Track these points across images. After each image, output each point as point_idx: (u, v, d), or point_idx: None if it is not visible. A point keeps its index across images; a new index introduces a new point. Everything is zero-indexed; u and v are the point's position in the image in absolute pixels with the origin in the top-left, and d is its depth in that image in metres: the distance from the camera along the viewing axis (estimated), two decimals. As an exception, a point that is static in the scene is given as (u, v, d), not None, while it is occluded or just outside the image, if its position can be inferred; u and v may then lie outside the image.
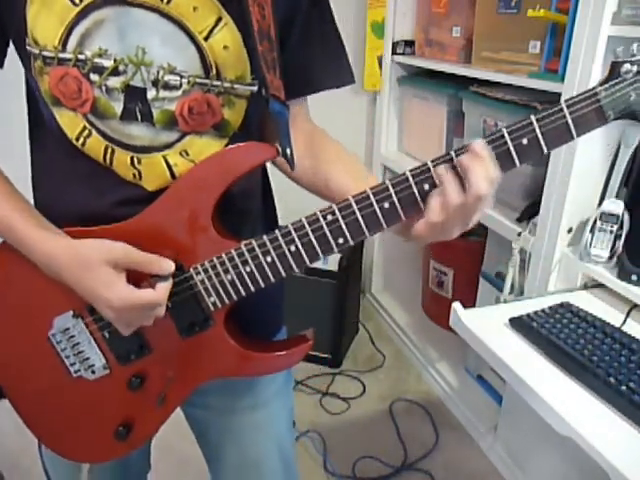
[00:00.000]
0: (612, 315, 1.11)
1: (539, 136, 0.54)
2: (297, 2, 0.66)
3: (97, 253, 0.59)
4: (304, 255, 0.60)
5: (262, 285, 0.63)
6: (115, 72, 0.58)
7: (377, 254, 2.47)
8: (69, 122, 0.61)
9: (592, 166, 1.21)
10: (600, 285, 1.21)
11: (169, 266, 0.62)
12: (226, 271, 0.63)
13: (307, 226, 0.59)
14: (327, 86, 0.73)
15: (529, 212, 1.38)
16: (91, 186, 0.64)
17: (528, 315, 1.06)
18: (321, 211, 0.59)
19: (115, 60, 0.58)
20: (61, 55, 0.58)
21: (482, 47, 1.54)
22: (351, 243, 0.59)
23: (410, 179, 0.56)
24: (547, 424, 0.86)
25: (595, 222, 1.17)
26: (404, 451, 1.72)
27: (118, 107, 0.60)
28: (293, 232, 0.60)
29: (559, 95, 1.19)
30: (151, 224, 0.63)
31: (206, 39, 0.59)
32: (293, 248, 0.60)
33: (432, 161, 0.56)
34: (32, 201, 0.69)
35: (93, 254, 0.59)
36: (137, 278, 0.61)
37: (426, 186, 0.56)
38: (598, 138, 1.18)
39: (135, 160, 0.63)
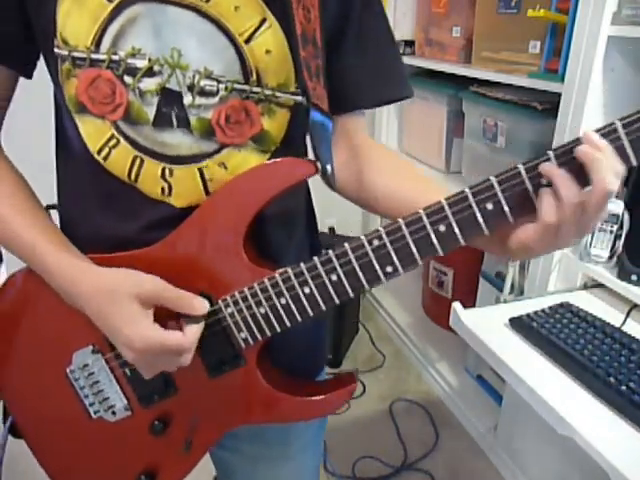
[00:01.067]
0: (612, 315, 1.11)
1: (625, 145, 0.45)
2: (349, 5, 0.61)
3: (125, 285, 0.54)
4: (347, 286, 0.53)
5: (299, 320, 0.56)
6: (150, 73, 0.54)
7: (377, 254, 2.46)
8: (94, 131, 0.57)
9: (592, 166, 1.21)
10: (600, 285, 1.21)
11: (203, 306, 0.56)
12: (258, 303, 0.56)
13: (350, 253, 0.52)
14: (387, 99, 0.67)
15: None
16: (115, 208, 0.60)
17: (528, 315, 1.06)
18: (366, 236, 0.52)
19: (150, 60, 0.54)
20: (94, 56, 0.53)
21: (482, 47, 1.54)
22: (401, 272, 0.52)
23: (470, 197, 0.48)
24: (547, 424, 0.86)
25: (595, 222, 1.17)
26: (404, 451, 1.72)
27: (151, 112, 0.55)
28: (334, 260, 0.53)
29: (559, 95, 1.19)
30: (178, 249, 0.57)
31: (247, 42, 0.55)
32: (334, 278, 0.53)
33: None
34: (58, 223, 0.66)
35: (120, 286, 0.54)
36: (165, 316, 0.55)
37: (489, 205, 0.48)
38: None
39: (167, 172, 0.58)
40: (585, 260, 1.20)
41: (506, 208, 0.48)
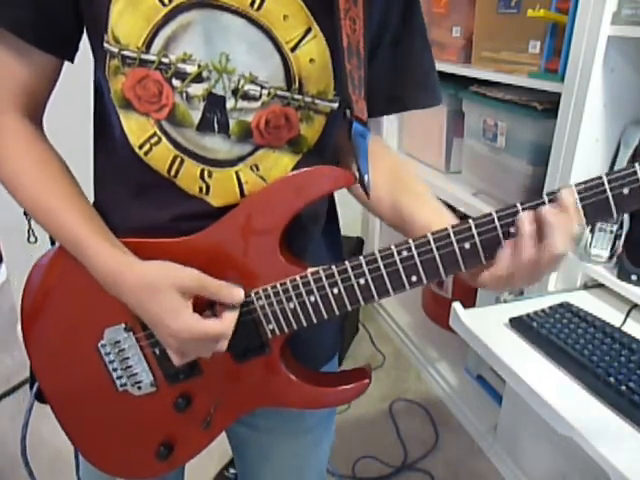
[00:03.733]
0: (612, 315, 1.11)
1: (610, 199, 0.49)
2: (390, 14, 0.63)
3: (166, 278, 0.57)
4: (373, 290, 0.57)
5: (325, 317, 0.60)
6: (198, 79, 0.56)
7: (377, 254, 2.46)
8: (136, 127, 0.59)
9: (592, 166, 1.21)
10: (600, 285, 1.21)
11: (240, 295, 0.59)
12: (289, 299, 0.60)
13: (380, 260, 0.56)
14: (416, 105, 0.69)
15: (529, 212, 1.37)
16: (150, 198, 0.62)
17: (528, 315, 1.06)
18: (396, 246, 0.55)
19: (199, 66, 0.56)
20: (144, 56, 0.55)
21: (482, 47, 1.54)
22: (425, 283, 0.56)
23: (496, 220, 0.53)
24: (547, 424, 0.86)
25: (595, 222, 1.17)
26: (404, 451, 1.72)
27: (196, 116, 0.58)
28: (364, 265, 0.56)
29: (559, 95, 1.19)
30: (216, 241, 0.60)
31: (293, 50, 0.57)
32: (362, 282, 0.57)
33: (522, 204, 0.52)
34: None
35: (161, 279, 0.57)
36: (200, 304, 0.59)
37: (512, 229, 0.53)
38: (598, 138, 1.18)
39: (205, 173, 0.60)
40: (585, 260, 1.20)
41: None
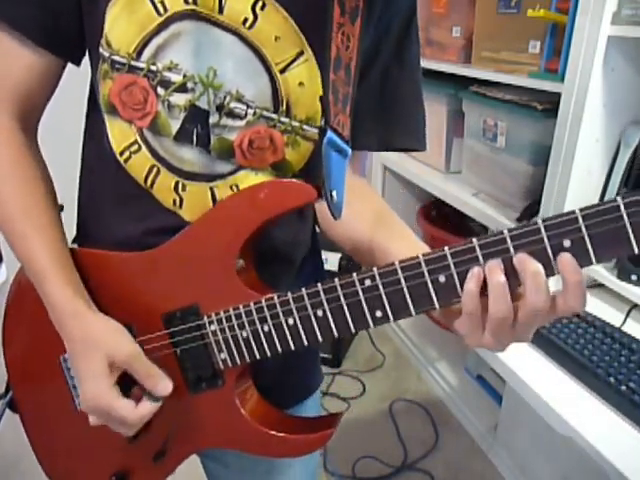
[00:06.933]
0: (612, 315, 1.11)
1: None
2: (379, 46, 0.61)
3: (102, 344, 0.56)
4: (332, 323, 0.51)
5: (279, 350, 0.54)
6: (182, 89, 0.55)
7: (377, 254, 2.46)
8: (119, 133, 0.58)
9: (592, 166, 1.21)
10: (600, 285, 1.21)
11: (166, 388, 0.56)
12: (241, 326, 0.55)
13: (339, 289, 0.49)
14: (396, 146, 0.67)
15: (529, 212, 1.38)
16: (127, 210, 0.61)
17: (528, 315, 1.06)
18: (358, 274, 0.48)
19: (184, 76, 0.55)
20: (134, 63, 0.55)
21: (482, 47, 1.54)
22: (391, 319, 0.48)
23: (477, 249, 0.44)
24: (547, 424, 0.86)
25: (595, 222, 1.17)
26: (404, 451, 1.72)
27: (175, 125, 0.56)
28: (322, 293, 0.50)
29: (559, 95, 1.19)
30: (173, 257, 0.57)
31: (282, 72, 0.55)
32: (320, 313, 0.51)
33: (510, 231, 0.43)
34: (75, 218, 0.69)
35: (99, 344, 0.56)
36: (132, 382, 0.57)
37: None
38: (598, 138, 1.18)
39: (180, 185, 0.58)
40: (585, 260, 1.20)
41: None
